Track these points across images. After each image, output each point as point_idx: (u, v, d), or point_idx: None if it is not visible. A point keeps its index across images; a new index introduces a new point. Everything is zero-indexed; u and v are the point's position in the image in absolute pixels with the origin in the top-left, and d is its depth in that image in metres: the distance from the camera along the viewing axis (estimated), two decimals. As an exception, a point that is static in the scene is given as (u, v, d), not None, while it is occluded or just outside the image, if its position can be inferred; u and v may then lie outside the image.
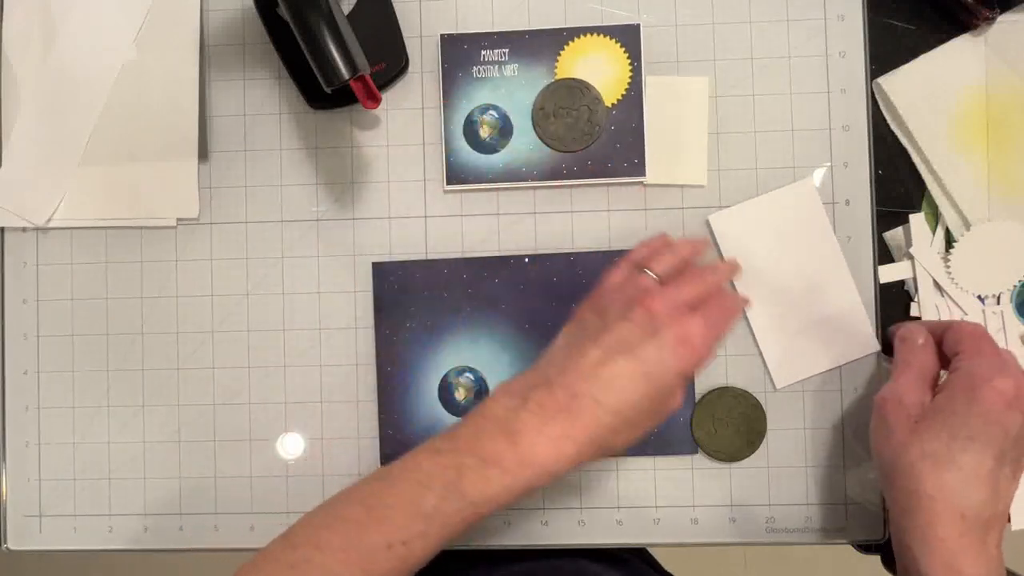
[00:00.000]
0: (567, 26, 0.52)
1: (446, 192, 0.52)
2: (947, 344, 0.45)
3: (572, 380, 0.40)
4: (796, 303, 0.50)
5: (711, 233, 0.51)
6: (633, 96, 0.51)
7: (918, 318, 0.51)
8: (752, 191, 0.51)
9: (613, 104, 0.51)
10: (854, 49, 0.51)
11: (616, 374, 0.40)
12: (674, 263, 0.45)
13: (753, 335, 0.51)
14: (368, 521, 0.39)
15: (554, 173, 0.51)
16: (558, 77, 0.51)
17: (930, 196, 0.51)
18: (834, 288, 0.50)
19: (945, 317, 0.50)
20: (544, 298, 0.51)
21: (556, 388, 0.40)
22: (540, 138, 0.51)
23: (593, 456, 0.40)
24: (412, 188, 0.53)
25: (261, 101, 0.53)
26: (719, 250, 0.51)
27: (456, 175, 0.52)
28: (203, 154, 0.53)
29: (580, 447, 0.40)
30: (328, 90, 0.45)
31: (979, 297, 0.50)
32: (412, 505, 0.39)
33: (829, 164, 0.51)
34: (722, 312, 0.42)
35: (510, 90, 0.52)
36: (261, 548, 0.42)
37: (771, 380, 0.50)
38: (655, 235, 0.49)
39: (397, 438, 0.52)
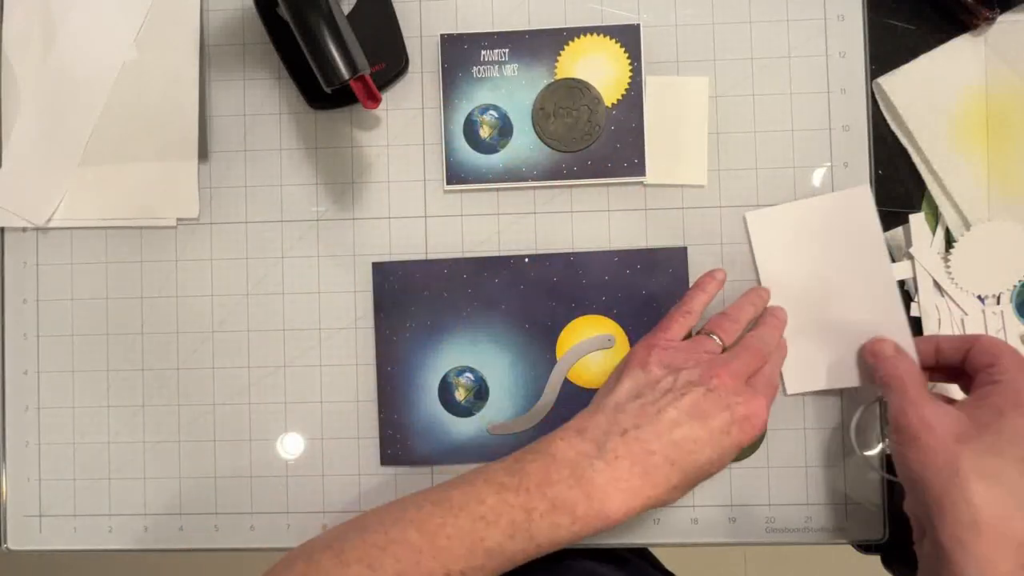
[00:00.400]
0: (567, 26, 0.52)
1: (446, 192, 0.52)
2: (976, 357, 0.43)
3: (649, 436, 0.41)
4: (828, 315, 0.49)
5: (746, 231, 0.51)
6: (633, 96, 0.51)
7: (918, 319, 0.51)
8: (752, 191, 0.51)
9: (613, 104, 0.51)
10: (854, 49, 0.51)
11: (690, 438, 0.41)
12: (740, 331, 0.47)
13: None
14: (426, 548, 0.40)
15: (554, 173, 0.51)
16: (558, 77, 0.51)
17: (930, 196, 0.51)
18: (875, 307, 0.48)
19: (945, 317, 0.50)
20: (544, 298, 0.51)
21: (632, 441, 0.41)
22: (540, 138, 0.51)
23: (650, 508, 0.41)
24: (412, 188, 0.53)
25: (261, 101, 0.53)
26: (751, 247, 0.51)
27: (456, 175, 0.52)
28: (203, 154, 0.53)
29: (646, 502, 0.41)
30: (328, 90, 0.45)
31: (979, 297, 0.50)
32: (475, 539, 0.39)
33: (829, 164, 0.51)
34: (773, 390, 0.46)
35: (510, 90, 0.52)
36: (302, 549, 0.41)
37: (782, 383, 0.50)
38: (708, 275, 0.49)
39: (397, 438, 0.52)
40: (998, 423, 0.39)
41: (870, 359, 0.47)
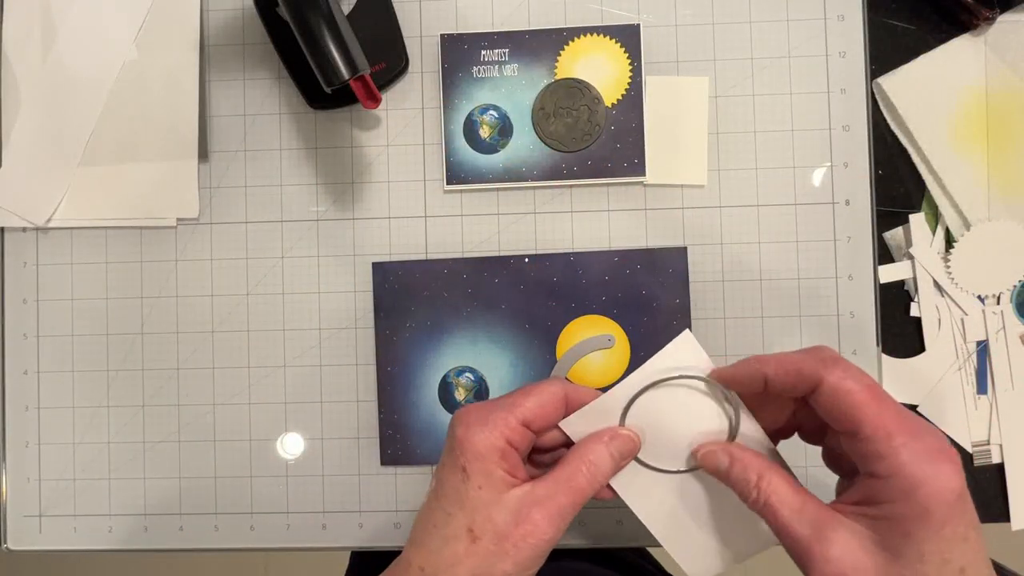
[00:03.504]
0: (567, 26, 0.52)
1: (446, 192, 0.52)
2: (827, 410, 0.33)
3: None
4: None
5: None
6: (633, 96, 0.51)
7: (918, 319, 0.51)
8: (752, 191, 0.51)
9: (613, 104, 0.51)
10: (854, 49, 0.51)
11: None
12: None
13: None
14: None
15: (554, 173, 0.51)
16: (558, 77, 0.51)
17: (930, 196, 0.51)
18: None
19: (945, 317, 0.50)
20: (544, 298, 0.51)
21: None
22: (540, 138, 0.51)
23: None
24: (412, 188, 0.53)
25: (261, 101, 0.53)
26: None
27: (456, 175, 0.52)
28: (203, 154, 0.53)
29: None
30: (328, 90, 0.45)
31: (979, 297, 0.50)
32: None
33: (829, 164, 0.51)
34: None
35: (510, 90, 0.52)
36: None
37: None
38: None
39: (397, 438, 0.52)
40: (912, 554, 0.30)
41: (717, 478, 0.37)
